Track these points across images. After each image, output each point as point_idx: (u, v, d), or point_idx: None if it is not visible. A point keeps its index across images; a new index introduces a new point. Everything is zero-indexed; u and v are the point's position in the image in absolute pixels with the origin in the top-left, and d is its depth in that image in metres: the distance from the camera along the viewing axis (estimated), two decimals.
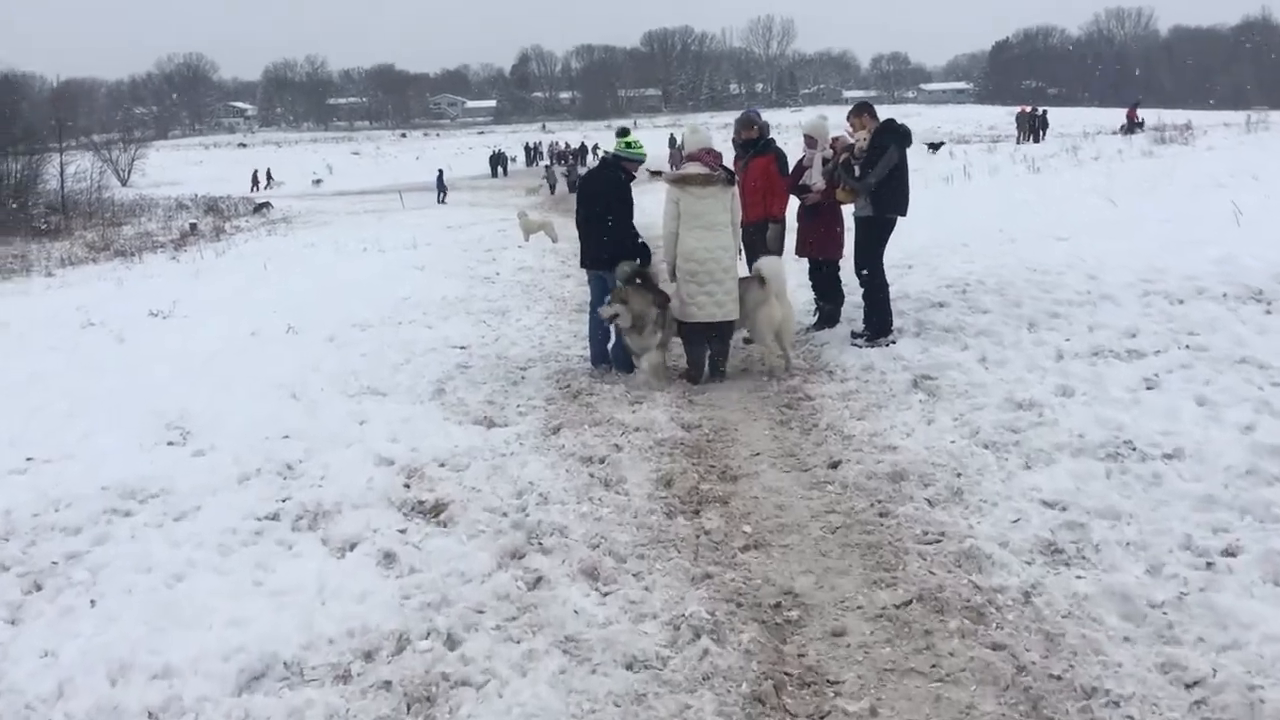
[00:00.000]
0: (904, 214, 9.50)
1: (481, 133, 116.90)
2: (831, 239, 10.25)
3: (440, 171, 46.53)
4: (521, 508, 6.03)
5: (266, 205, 43.55)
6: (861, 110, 9.66)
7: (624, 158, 9.46)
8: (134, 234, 36.68)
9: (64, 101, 72.96)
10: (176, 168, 75.73)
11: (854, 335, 9.76)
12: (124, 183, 64.13)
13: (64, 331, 13.60)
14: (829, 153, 10.14)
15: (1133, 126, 46.08)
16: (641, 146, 9.61)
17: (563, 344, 11.16)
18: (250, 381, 9.06)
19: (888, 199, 9.37)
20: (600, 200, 9.36)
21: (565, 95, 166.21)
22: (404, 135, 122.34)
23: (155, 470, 6.58)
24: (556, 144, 69.67)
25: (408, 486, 6.45)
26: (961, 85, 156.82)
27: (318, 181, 63.74)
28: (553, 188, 44.50)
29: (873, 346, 9.39)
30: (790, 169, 10.53)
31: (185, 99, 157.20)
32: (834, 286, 10.48)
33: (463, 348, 10.95)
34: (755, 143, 10.59)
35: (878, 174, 9.25)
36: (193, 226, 35.57)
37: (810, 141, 10.31)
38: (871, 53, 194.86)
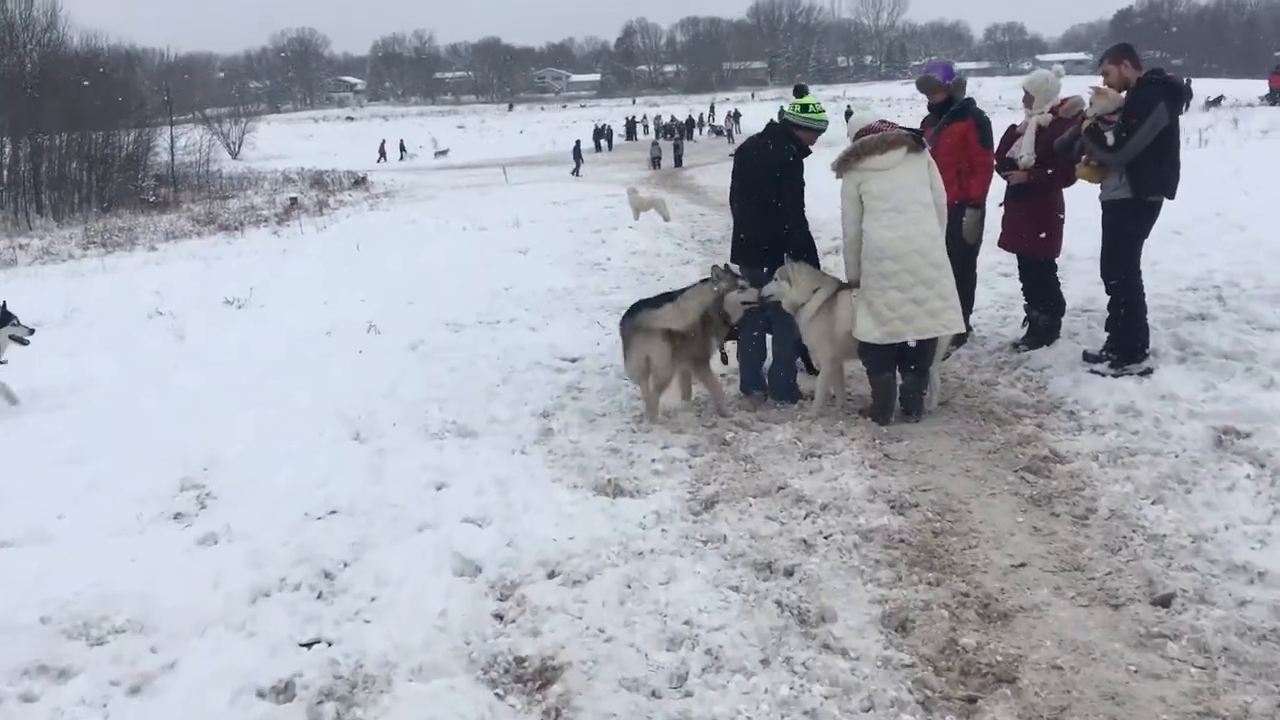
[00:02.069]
0: (1172, 195, 6.89)
1: (584, 106, 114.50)
2: (1047, 230, 7.65)
3: (578, 142, 44.21)
4: (680, 678, 3.68)
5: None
6: (1121, 55, 6.99)
7: (798, 124, 7.01)
8: (239, 208, 35.27)
9: (177, 75, 72.62)
10: (286, 141, 74.82)
11: (1089, 358, 7.20)
12: (234, 156, 63.38)
13: (127, 323, 11.65)
14: (1045, 117, 7.54)
15: (1275, 95, 41.85)
16: (823, 111, 7.13)
17: None
18: (307, 411, 6.88)
19: (1152, 175, 6.76)
20: (764, 178, 6.95)
21: (670, 69, 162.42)
22: (511, 108, 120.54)
23: (133, 579, 4.37)
24: (660, 117, 67.01)
25: (500, 620, 4.15)
26: (1080, 56, 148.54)
27: (442, 152, 62.11)
28: (657, 162, 41.94)
29: (1120, 376, 6.83)
30: (999, 139, 7.96)
31: (297, 74, 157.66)
32: (1050, 292, 7.86)
33: (573, 360, 8.65)
34: (947, 106, 8.05)
35: (1139, 140, 6.65)
36: (293, 201, 33.88)
37: (1029, 101, 7.70)
38: (986, 23, 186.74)
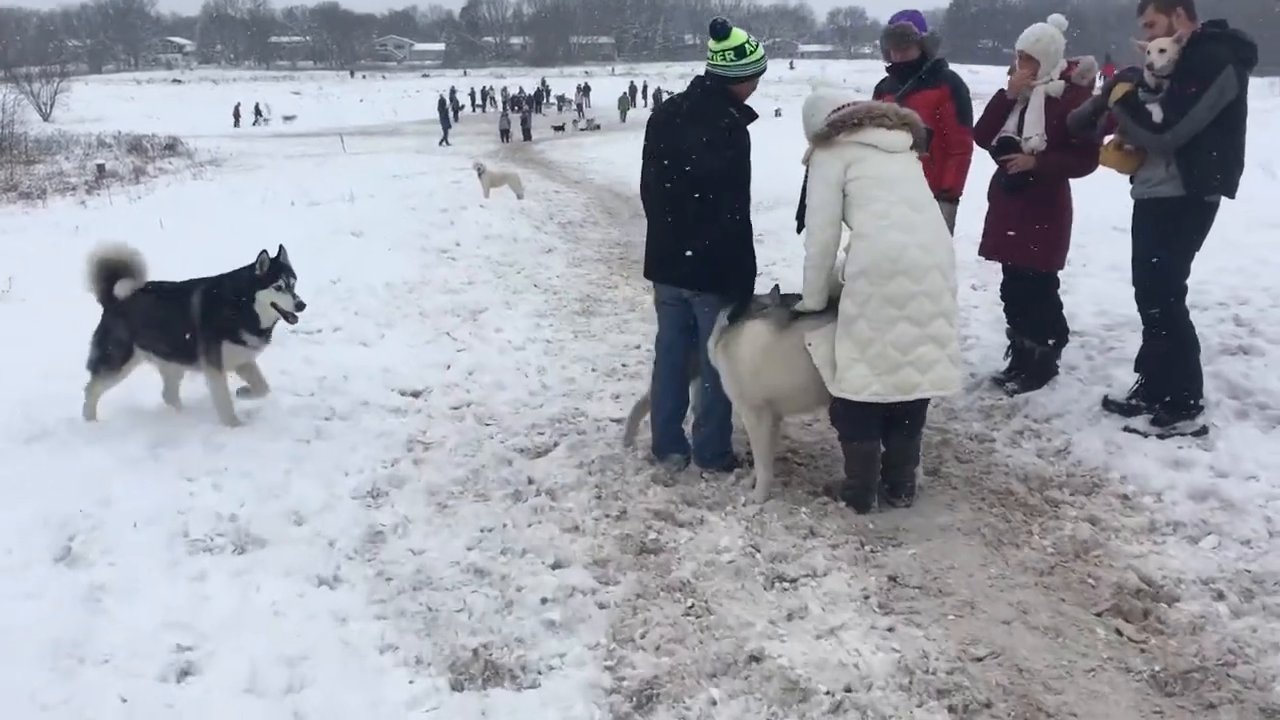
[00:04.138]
0: (1233, 193, 5.00)
1: (428, 75, 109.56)
2: (1052, 235, 5.70)
3: (442, 101, 40.73)
4: None
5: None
6: (1172, 2, 5.04)
7: (735, 77, 4.83)
8: (46, 174, 31.00)
9: None
10: (105, 103, 68.06)
11: (1115, 408, 5.30)
12: (45, 118, 57.31)
13: None
14: (1056, 84, 5.56)
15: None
16: (759, 48, 4.93)
17: (583, 389, 6.54)
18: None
19: (1214, 166, 4.86)
20: (692, 159, 4.72)
21: (516, 41, 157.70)
22: (353, 75, 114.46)
23: None
24: (508, 89, 63.94)
25: None
26: None
27: (290, 118, 57.67)
28: (506, 135, 39.25)
29: (1168, 437, 4.95)
30: (980, 113, 5.96)
31: (119, 32, 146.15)
32: (1050, 314, 5.88)
33: (416, 394, 6.34)
34: (917, 68, 6.00)
35: (1199, 117, 4.74)
36: (101, 168, 29.86)
37: (1026, 64, 5.69)
38: (829, 6, 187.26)
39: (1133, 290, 5.24)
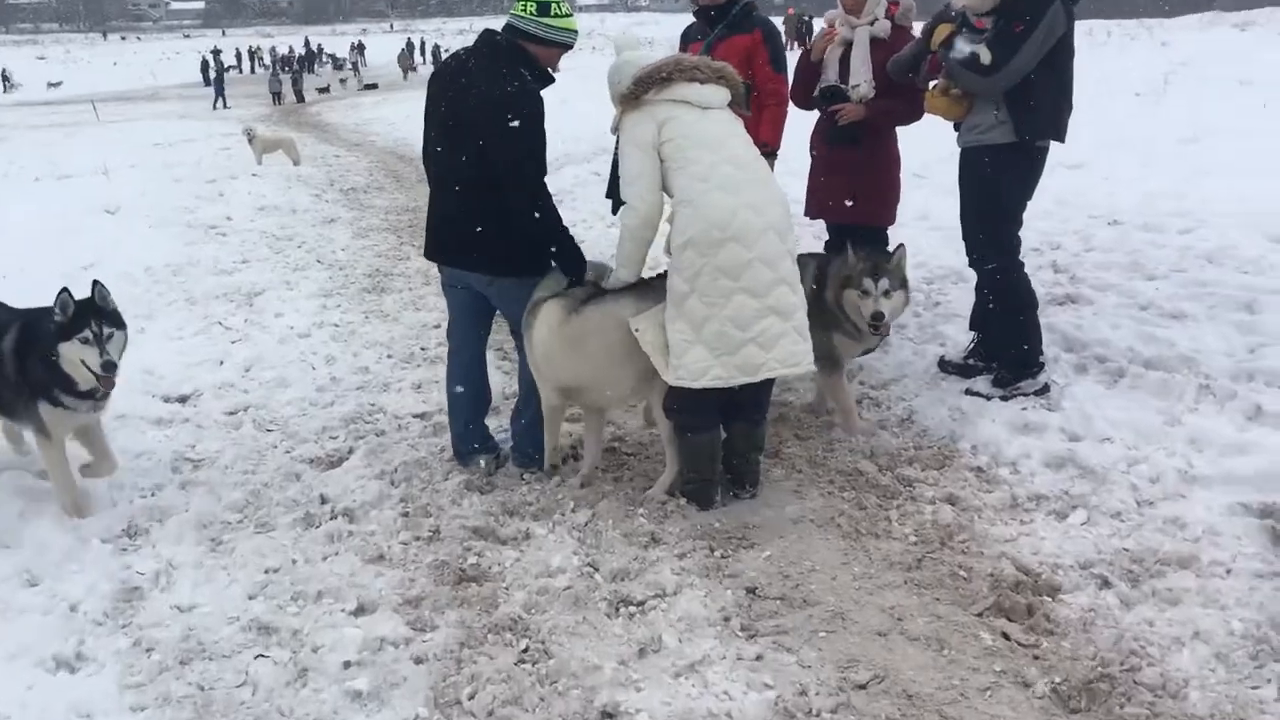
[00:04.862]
0: (1063, 137, 4.72)
1: (188, 36, 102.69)
2: (883, 188, 5.30)
3: (205, 64, 37.61)
4: None
5: None
6: None
7: (539, 38, 4.15)
8: None
9: None
10: None
11: (952, 369, 5.01)
12: None
13: None
14: (882, 25, 5.15)
15: None
16: (572, 15, 4.27)
17: (379, 380, 5.80)
18: None
19: (1044, 109, 4.56)
20: (477, 124, 4.02)
21: None
22: (105, 36, 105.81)
23: None
24: (276, 49, 60.33)
25: None
26: None
27: (56, 84, 52.18)
28: (278, 97, 36.86)
29: (1011, 398, 4.67)
30: (797, 59, 5.51)
31: None
32: None
33: (182, 401, 5.47)
34: (726, 12, 5.46)
35: (1028, 56, 4.42)
36: None
37: (850, 4, 5.24)
38: None
39: (960, 244, 4.94)
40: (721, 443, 4.09)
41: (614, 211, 4.56)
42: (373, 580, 3.55)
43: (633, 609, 3.33)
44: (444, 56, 4.28)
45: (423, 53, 54.53)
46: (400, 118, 25.27)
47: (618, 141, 4.08)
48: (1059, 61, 4.53)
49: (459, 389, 4.47)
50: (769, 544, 3.73)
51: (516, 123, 3.95)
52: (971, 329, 5.02)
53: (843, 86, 5.12)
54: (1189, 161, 8.45)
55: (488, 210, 4.06)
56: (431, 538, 3.87)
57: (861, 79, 5.04)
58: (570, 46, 4.25)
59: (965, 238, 4.85)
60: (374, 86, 40.51)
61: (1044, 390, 4.68)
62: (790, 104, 5.42)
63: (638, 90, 3.88)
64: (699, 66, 3.94)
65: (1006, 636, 3.09)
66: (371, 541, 3.85)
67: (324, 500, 4.21)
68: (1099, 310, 5.27)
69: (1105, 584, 3.27)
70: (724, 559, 3.64)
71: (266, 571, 3.64)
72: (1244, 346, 4.71)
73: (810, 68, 5.35)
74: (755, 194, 3.78)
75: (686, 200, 3.77)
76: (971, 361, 4.99)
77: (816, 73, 5.32)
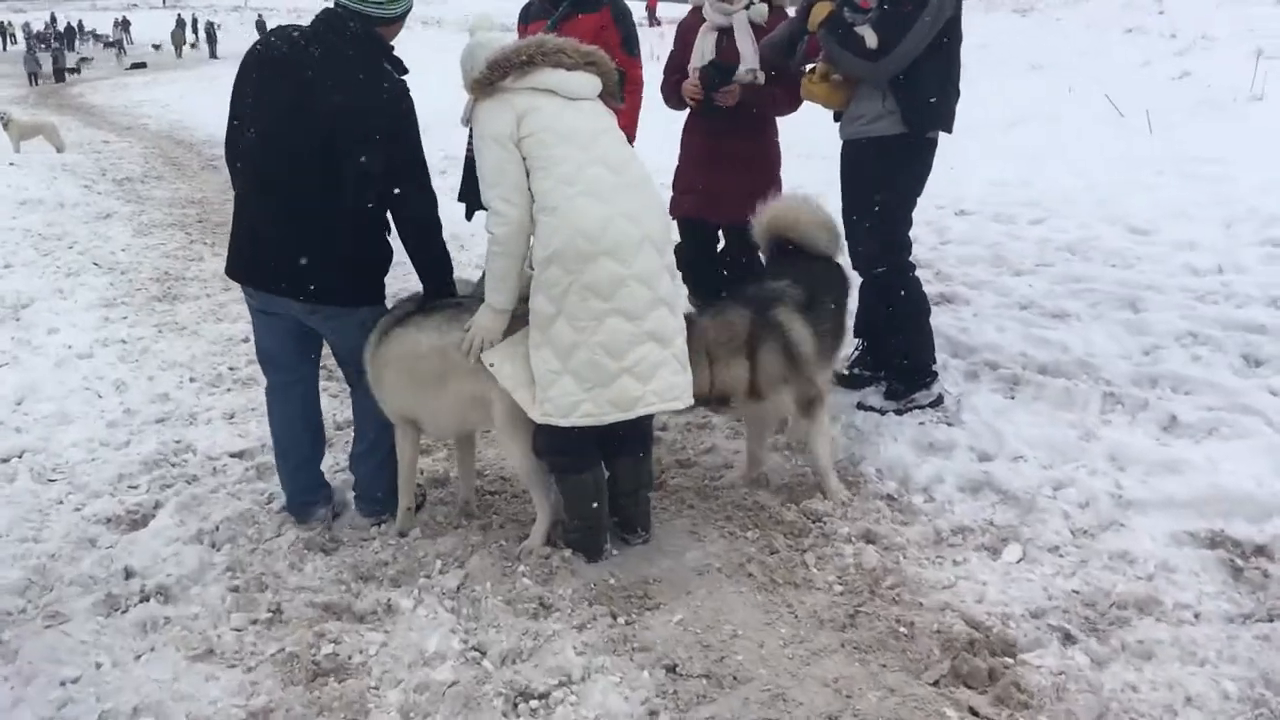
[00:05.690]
0: (950, 128, 4.35)
1: None
2: (762, 183, 4.71)
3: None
4: None
5: None
6: None
7: (378, 17, 3.38)
8: None
9: None
10: None
11: (841, 380, 4.59)
12: None
13: None
14: (760, 8, 4.63)
15: (652, 16, 40.32)
16: None
17: (183, 411, 4.91)
18: None
19: (934, 97, 4.17)
20: (347, 136, 3.26)
21: None
22: None
23: None
24: (30, 24, 55.28)
25: None
26: None
27: None
28: (35, 78, 33.61)
29: (905, 412, 4.29)
30: (667, 46, 4.95)
31: None
32: (754, 271, 4.98)
33: None
34: None
35: (917, 39, 4.03)
36: None
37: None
38: None
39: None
40: (605, 481, 3.52)
41: (468, 216, 3.93)
42: (203, 686, 2.81)
43: (535, 704, 2.72)
44: (262, 36, 3.48)
45: (194, 30, 50.95)
46: (174, 98, 23.44)
47: (470, 136, 3.44)
48: (948, 45, 4.16)
49: (289, 433, 3.71)
50: (677, 604, 3.19)
51: (401, 129, 3.34)
52: (856, 336, 4.62)
53: (724, 64, 4.57)
54: (1019, 148, 8.40)
55: (322, 227, 3.33)
56: (272, 619, 3.13)
57: (750, 65, 4.51)
58: (400, 20, 3.56)
59: (848, 238, 4.42)
60: (142, 65, 37.70)
61: (938, 401, 4.33)
62: (643, 89, 4.86)
63: (493, 75, 3.23)
64: (565, 50, 3.33)
65: (974, 712, 2.65)
66: (195, 629, 3.08)
67: (129, 574, 3.39)
68: (979, 311, 4.98)
69: (1068, 638, 2.88)
70: (629, 626, 3.07)
71: (63, 684, 2.82)
72: (1138, 348, 4.50)
73: (688, 44, 4.81)
74: (630, 201, 3.21)
75: (550, 207, 3.16)
76: (858, 371, 4.60)
77: (682, 69, 4.81)
